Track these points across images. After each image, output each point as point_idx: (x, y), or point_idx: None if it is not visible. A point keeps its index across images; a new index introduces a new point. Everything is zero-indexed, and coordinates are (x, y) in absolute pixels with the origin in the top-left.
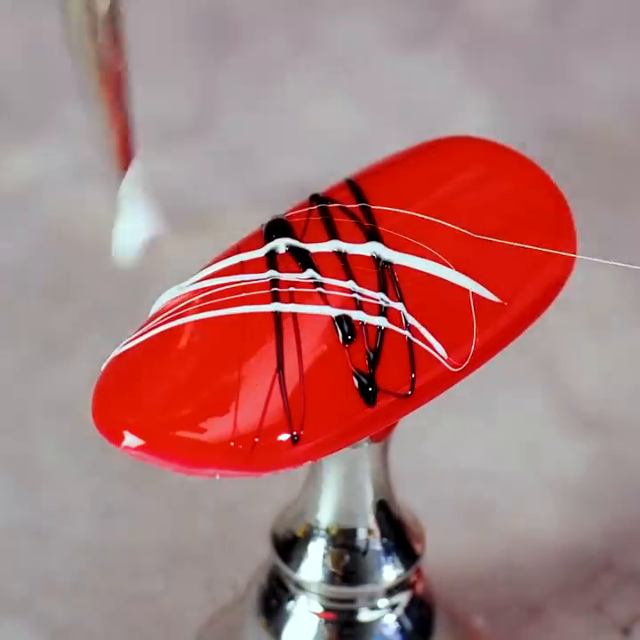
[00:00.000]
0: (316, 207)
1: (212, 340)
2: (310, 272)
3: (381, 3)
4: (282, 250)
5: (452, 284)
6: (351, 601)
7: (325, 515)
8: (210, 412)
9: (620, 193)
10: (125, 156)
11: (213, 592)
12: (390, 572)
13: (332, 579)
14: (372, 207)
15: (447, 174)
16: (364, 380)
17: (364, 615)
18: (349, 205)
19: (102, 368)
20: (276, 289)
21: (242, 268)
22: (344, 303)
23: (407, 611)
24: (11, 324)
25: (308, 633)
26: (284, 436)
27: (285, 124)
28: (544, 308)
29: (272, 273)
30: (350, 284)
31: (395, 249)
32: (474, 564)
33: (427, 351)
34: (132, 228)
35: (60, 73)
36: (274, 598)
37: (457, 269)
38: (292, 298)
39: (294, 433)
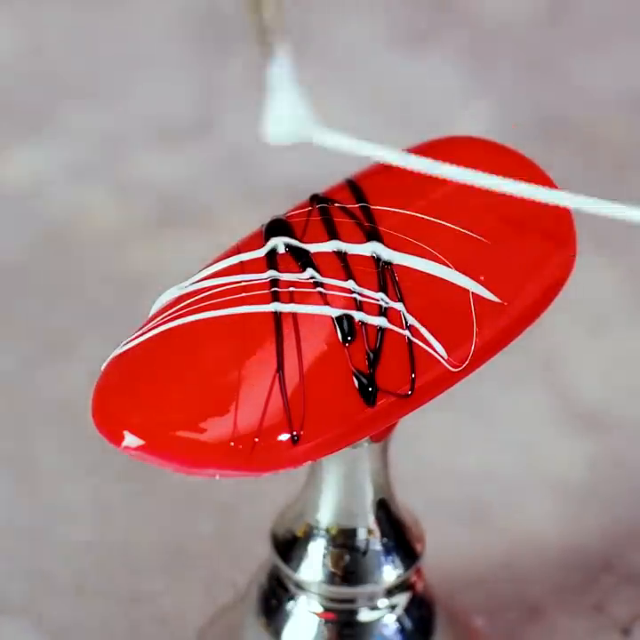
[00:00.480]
0: (316, 207)
1: (212, 340)
2: (310, 272)
3: (381, 3)
4: (282, 250)
5: (452, 283)
6: (351, 601)
7: (325, 515)
8: (210, 412)
9: (620, 193)
10: (278, 33)
11: (213, 592)
12: (390, 572)
13: (332, 579)
14: (372, 207)
15: None
16: (364, 380)
17: (364, 615)
18: (349, 205)
19: (102, 368)
20: (276, 289)
21: (242, 268)
22: (344, 303)
23: (407, 611)
24: (11, 324)
25: (308, 633)
26: (284, 436)
27: None
28: (544, 308)
29: (272, 273)
30: (350, 284)
31: (395, 249)
32: (474, 564)
33: (427, 351)
34: (283, 113)
35: (60, 73)
36: (274, 598)
37: (457, 269)
38: (292, 298)
39: (294, 433)
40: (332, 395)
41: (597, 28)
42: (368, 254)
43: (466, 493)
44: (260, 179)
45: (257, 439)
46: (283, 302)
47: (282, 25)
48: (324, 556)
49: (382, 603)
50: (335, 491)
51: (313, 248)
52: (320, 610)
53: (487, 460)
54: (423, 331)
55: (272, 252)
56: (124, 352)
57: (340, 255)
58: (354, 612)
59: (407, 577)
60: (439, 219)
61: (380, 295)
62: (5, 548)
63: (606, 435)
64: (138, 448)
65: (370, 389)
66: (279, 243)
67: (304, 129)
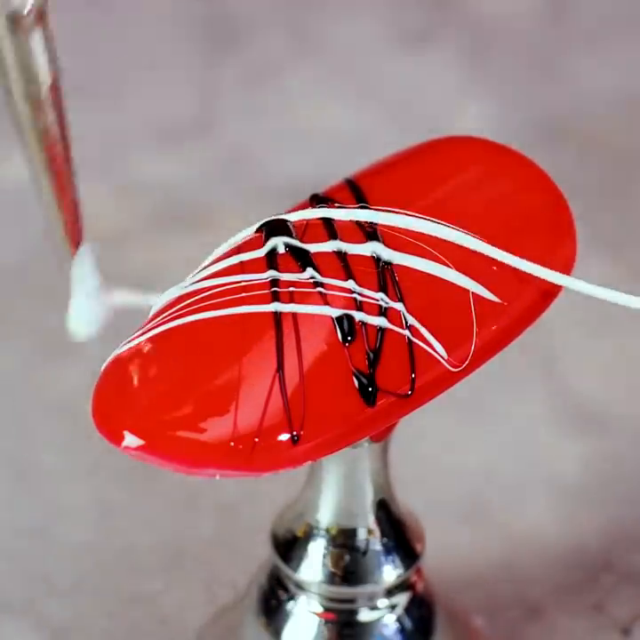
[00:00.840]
0: (316, 207)
1: (212, 340)
2: (310, 272)
3: (381, 3)
4: (282, 250)
5: (452, 284)
6: (351, 601)
7: (325, 515)
8: (210, 412)
9: (620, 193)
10: (75, 238)
11: (213, 592)
12: (390, 572)
13: (331, 579)
14: (372, 207)
15: (447, 174)
16: (364, 380)
17: (364, 615)
18: (349, 205)
19: (102, 368)
20: (276, 289)
21: (242, 268)
22: (344, 303)
23: (407, 611)
24: (11, 324)
25: (307, 633)
26: (284, 436)
27: (285, 123)
28: (544, 308)
29: (272, 273)
30: (350, 284)
31: (395, 249)
32: (474, 564)
33: (427, 351)
34: (86, 305)
35: (60, 73)
36: (274, 598)
37: (457, 269)
38: (292, 298)
39: (294, 433)
40: (332, 395)
41: (597, 28)
42: (368, 254)
43: (466, 493)
44: (260, 179)
45: (257, 439)
46: (283, 302)
47: (80, 229)
48: (324, 556)
49: (382, 603)
50: (335, 491)
51: (313, 248)
52: (320, 610)
53: (487, 459)
54: (423, 331)
55: (272, 252)
56: (124, 352)
57: (340, 255)
58: (354, 612)
59: (407, 577)
60: (439, 219)
61: (380, 295)
62: (5, 548)
63: (606, 434)
64: (138, 448)
65: (370, 389)
66: (279, 243)
67: (103, 312)
